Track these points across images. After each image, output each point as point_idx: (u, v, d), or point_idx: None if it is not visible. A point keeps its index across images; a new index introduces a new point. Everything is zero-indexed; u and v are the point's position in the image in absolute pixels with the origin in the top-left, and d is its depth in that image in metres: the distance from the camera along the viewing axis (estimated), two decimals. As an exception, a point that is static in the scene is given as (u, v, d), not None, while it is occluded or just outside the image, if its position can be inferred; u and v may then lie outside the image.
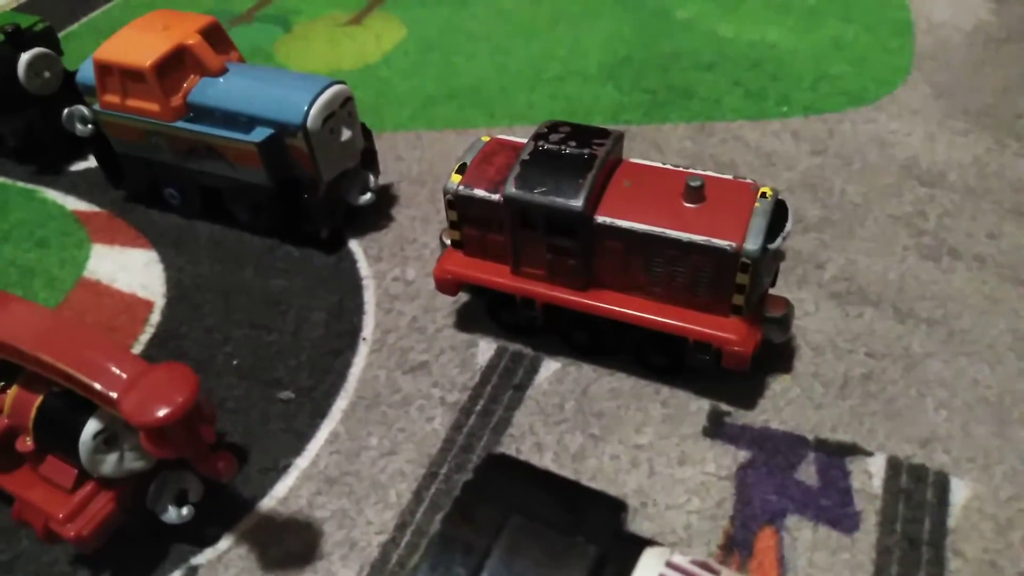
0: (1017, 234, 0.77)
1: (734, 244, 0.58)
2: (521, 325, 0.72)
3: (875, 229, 0.79)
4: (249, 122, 0.77)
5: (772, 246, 0.59)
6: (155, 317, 0.79)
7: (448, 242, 0.71)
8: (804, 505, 0.59)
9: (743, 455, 0.62)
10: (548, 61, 1.07)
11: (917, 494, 0.59)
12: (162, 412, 0.48)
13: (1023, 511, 0.57)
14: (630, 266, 0.63)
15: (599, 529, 0.41)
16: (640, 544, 0.41)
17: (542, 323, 0.70)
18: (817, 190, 0.84)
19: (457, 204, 0.67)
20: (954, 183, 0.83)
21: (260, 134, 0.77)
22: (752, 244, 0.58)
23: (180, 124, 0.80)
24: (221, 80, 0.80)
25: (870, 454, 0.61)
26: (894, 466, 0.61)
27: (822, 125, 0.91)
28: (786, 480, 0.61)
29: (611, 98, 0.99)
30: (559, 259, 0.65)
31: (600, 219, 0.62)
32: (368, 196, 0.83)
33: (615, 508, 0.43)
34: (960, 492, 0.59)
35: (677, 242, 0.60)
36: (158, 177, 0.87)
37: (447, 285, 0.71)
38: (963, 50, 1.00)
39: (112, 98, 0.81)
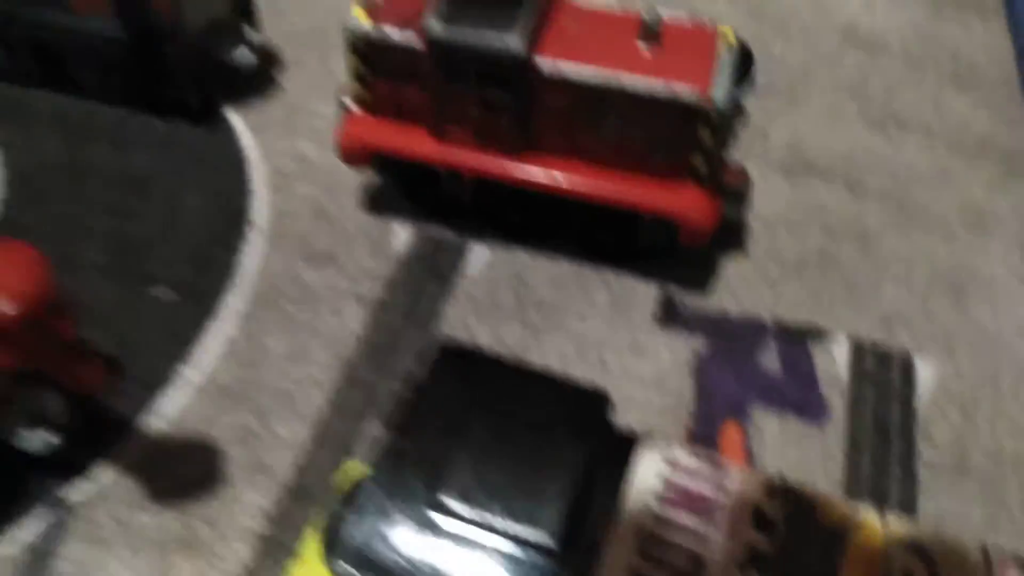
0: (960, 104, 0.74)
1: (698, 92, 0.50)
2: (444, 204, 0.62)
3: (819, 99, 0.74)
4: (91, -46, 0.61)
5: (740, 94, 0.51)
6: (-12, 205, 0.64)
7: (351, 103, 0.59)
8: (768, 394, 0.54)
9: (699, 343, 0.57)
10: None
11: (883, 377, 0.55)
12: (4, 308, 0.35)
13: (985, 389, 0.55)
14: (576, 124, 0.54)
15: (582, 425, 0.34)
16: (631, 439, 0.35)
17: (470, 200, 0.61)
18: (756, 56, 0.77)
19: (364, 50, 0.55)
20: (895, 50, 0.78)
21: (106, -31, 0.61)
22: (719, 93, 0.50)
23: (-1, -44, 0.63)
24: (50, -100, 0.63)
25: (833, 337, 0.57)
26: (858, 349, 0.57)
27: (754, -14, 0.84)
28: (747, 368, 0.56)
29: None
30: (490, 117, 0.55)
31: (542, 63, 0.52)
32: (246, 52, 0.70)
33: (599, 400, 0.36)
34: (925, 372, 0.55)
35: (634, 92, 0.51)
36: (-25, 32, 0.70)
37: (354, 155, 0.60)
38: None
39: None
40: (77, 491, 0.49)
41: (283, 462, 0.51)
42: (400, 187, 0.63)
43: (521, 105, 0.54)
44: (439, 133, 0.57)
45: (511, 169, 0.56)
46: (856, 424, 0.53)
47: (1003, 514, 0.49)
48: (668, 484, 0.33)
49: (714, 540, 0.32)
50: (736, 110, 0.53)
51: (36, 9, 0.65)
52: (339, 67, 0.73)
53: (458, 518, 0.32)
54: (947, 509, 0.49)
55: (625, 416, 0.53)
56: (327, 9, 0.80)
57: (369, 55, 0.55)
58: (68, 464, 0.50)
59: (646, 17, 0.52)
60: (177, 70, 0.66)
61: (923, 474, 0.51)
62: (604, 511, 0.32)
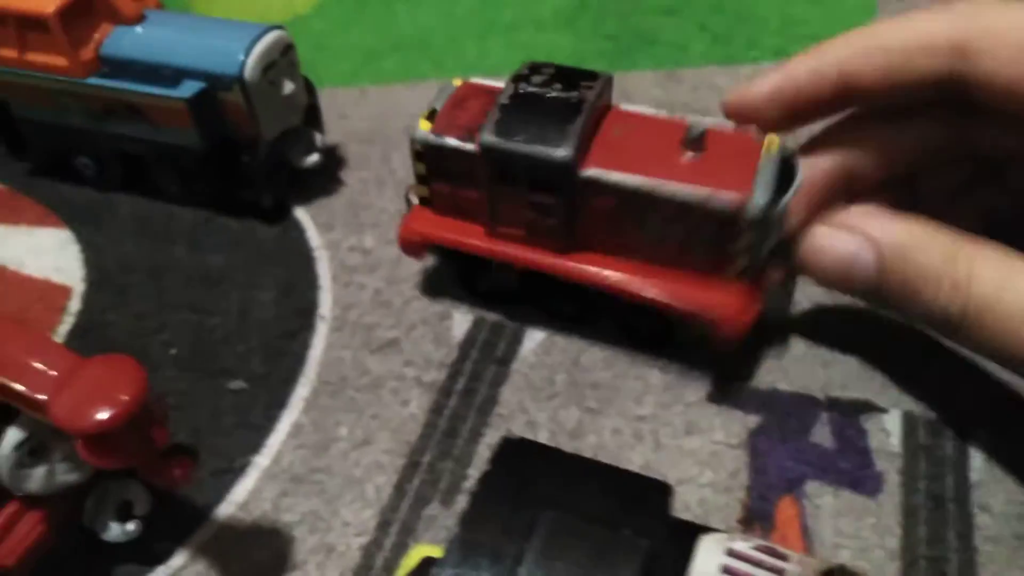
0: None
1: (739, 199, 0.52)
2: (497, 293, 0.65)
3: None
4: (175, 75, 0.67)
5: (782, 202, 0.53)
6: (74, 305, 0.69)
7: (415, 200, 0.63)
8: (823, 469, 0.54)
9: (753, 420, 0.57)
10: (499, 7, 0.99)
11: (937, 449, 0.55)
12: (103, 415, 0.39)
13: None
14: (619, 225, 0.57)
15: (645, 518, 0.35)
16: (694, 531, 0.36)
17: (520, 290, 0.63)
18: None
19: (426, 155, 0.59)
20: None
21: (189, 88, 0.67)
22: (760, 199, 0.52)
23: (93, 80, 0.69)
24: (139, 29, 0.69)
25: (885, 411, 0.57)
26: (910, 421, 0.57)
27: (793, 69, 0.86)
28: (801, 444, 0.56)
29: (570, 45, 0.92)
30: (540, 218, 0.58)
31: (588, 172, 0.55)
32: (315, 157, 0.75)
33: (660, 492, 0.37)
34: (979, 442, 0.55)
35: (674, 197, 0.53)
36: (69, 145, 0.76)
37: (414, 247, 0.64)
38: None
39: (8, 52, 0.70)
40: (156, 577, 0.52)
41: (350, 546, 0.53)
42: (455, 274, 0.66)
43: (567, 209, 0.57)
44: (491, 230, 0.60)
45: (556, 265, 0.59)
46: (910, 495, 0.52)
47: (1076, 592, 0.48)
48: (728, 571, 0.34)
49: (772, 623, 0.32)
50: (778, 215, 0.54)
51: (120, 123, 0.71)
52: (398, 165, 0.79)
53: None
54: (1016, 587, 0.48)
55: (683, 495, 0.53)
56: (385, 112, 0.86)
57: (430, 159, 0.59)
58: (148, 552, 0.53)
59: (691, 125, 0.54)
60: (253, 176, 0.71)
61: (982, 545, 0.50)
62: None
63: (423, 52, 0.94)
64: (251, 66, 0.66)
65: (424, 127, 0.59)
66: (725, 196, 0.52)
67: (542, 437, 0.57)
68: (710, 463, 0.55)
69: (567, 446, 0.56)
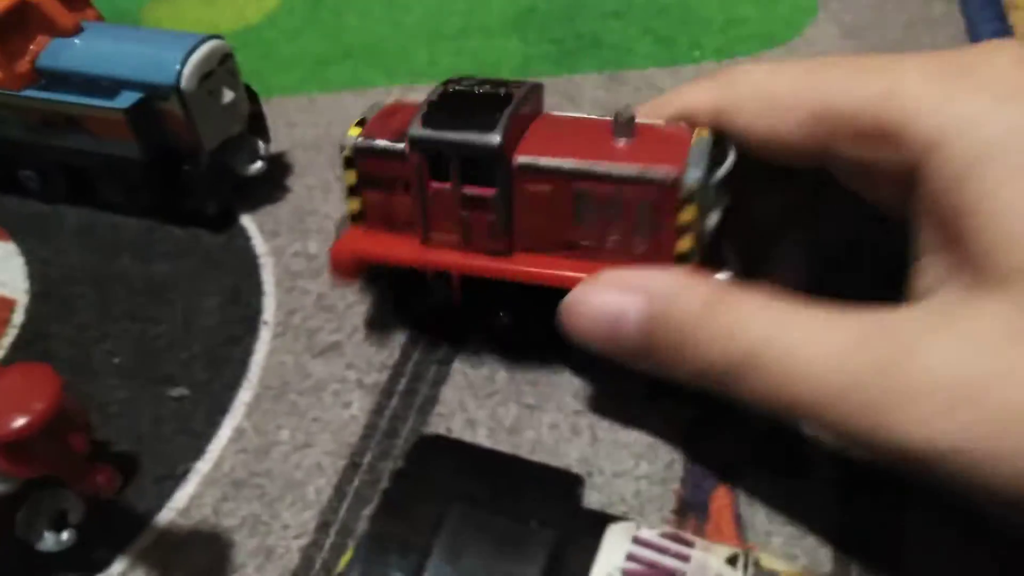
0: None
1: (675, 169, 0.52)
2: (434, 312, 0.64)
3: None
4: (113, 86, 0.67)
5: (718, 174, 0.53)
6: (18, 317, 0.69)
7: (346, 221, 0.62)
8: (757, 458, 0.55)
9: (688, 412, 0.58)
10: (448, 15, 1.00)
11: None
12: (18, 423, 0.39)
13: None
14: (557, 217, 0.56)
15: (554, 509, 0.36)
16: (602, 521, 0.36)
17: (458, 306, 0.62)
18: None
19: (356, 161, 0.58)
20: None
21: (127, 99, 0.67)
22: (695, 171, 0.52)
23: (29, 93, 0.69)
24: (77, 40, 0.69)
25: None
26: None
27: (736, 68, 0.88)
28: (735, 434, 0.57)
29: (517, 51, 0.93)
30: (476, 215, 0.57)
31: (521, 159, 0.55)
32: (259, 165, 0.75)
33: (570, 483, 0.38)
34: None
35: (609, 175, 0.53)
36: (11, 158, 0.76)
37: (346, 268, 0.61)
38: (865, -13, 0.99)
39: (-58, 66, 0.70)
40: (93, 585, 0.52)
41: (290, 548, 0.53)
42: (392, 299, 0.65)
43: (503, 201, 0.56)
44: (426, 238, 0.59)
45: (495, 267, 0.58)
46: (842, 478, 0.53)
47: (1000, 571, 0.49)
48: (633, 559, 0.35)
49: (674, 605, 0.33)
50: (715, 188, 0.54)
51: (62, 135, 0.71)
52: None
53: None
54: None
55: (619, 487, 0.54)
56: (332, 120, 0.86)
57: (360, 166, 0.58)
58: (86, 561, 0.53)
59: (619, 111, 0.54)
60: (196, 185, 0.72)
61: (911, 521, 0.51)
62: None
63: (373, 60, 0.94)
64: (188, 76, 0.66)
65: (353, 133, 0.59)
66: (660, 169, 0.52)
67: (481, 434, 0.58)
68: (646, 455, 0.56)
69: (505, 442, 0.57)
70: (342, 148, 0.58)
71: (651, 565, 0.33)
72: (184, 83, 0.66)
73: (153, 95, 0.67)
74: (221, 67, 0.69)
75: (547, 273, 0.57)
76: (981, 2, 0.88)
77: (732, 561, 0.34)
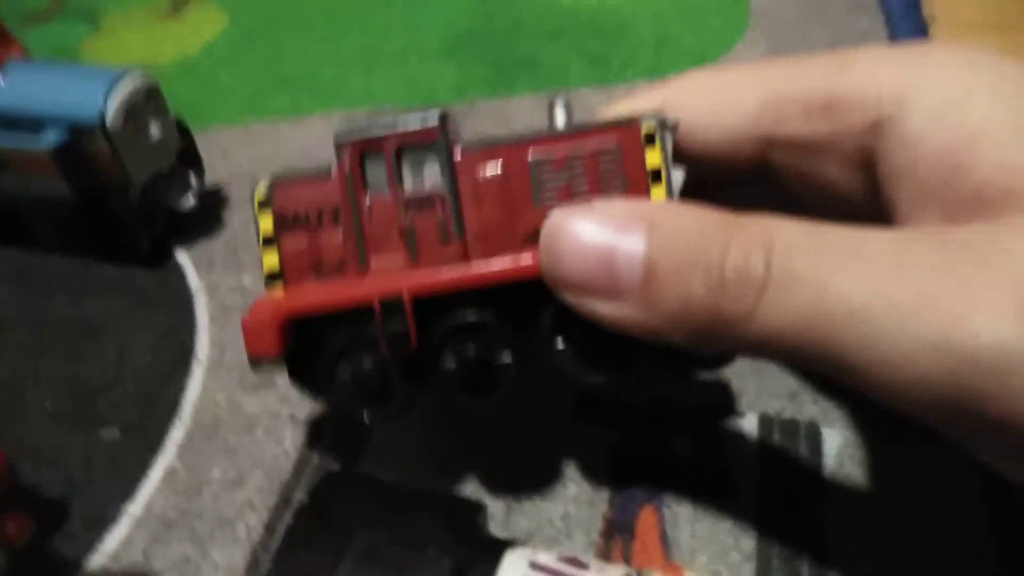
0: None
1: (633, 117, 0.47)
2: (379, 380, 0.50)
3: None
4: (37, 125, 0.67)
5: (671, 119, 0.48)
6: (-53, 362, 0.68)
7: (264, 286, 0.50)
8: (682, 478, 0.56)
9: (615, 435, 0.59)
10: (385, 41, 1.00)
11: (791, 450, 0.57)
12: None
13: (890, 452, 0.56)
14: (513, 201, 0.48)
15: (453, 537, 0.37)
16: (500, 547, 0.37)
17: (416, 348, 0.48)
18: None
19: (273, 199, 0.49)
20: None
21: (52, 139, 0.67)
22: (650, 118, 0.47)
23: (-48, 134, 0.69)
24: (0, 80, 0.69)
25: (742, 415, 0.59)
26: (766, 424, 0.59)
27: (669, 87, 0.89)
28: (662, 454, 0.57)
29: (453, 75, 0.94)
30: (421, 219, 0.48)
31: (464, 141, 0.49)
32: (191, 199, 0.75)
33: (471, 511, 0.38)
34: (832, 442, 0.57)
35: (565, 134, 0.47)
36: (-63, 200, 0.75)
37: (263, 338, 0.48)
38: (793, 5, 1.01)
39: None
40: (18, 636, 0.51)
41: (220, 588, 0.53)
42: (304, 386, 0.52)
43: (451, 191, 0.48)
44: (366, 268, 0.49)
45: (456, 276, 0.48)
46: (766, 495, 0.54)
47: None
48: (529, 584, 0.35)
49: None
50: (671, 129, 0.48)
51: (-12, 175, 0.71)
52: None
53: (336, 636, 0.34)
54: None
55: (547, 511, 0.54)
56: (269, 150, 0.86)
57: (277, 205, 0.49)
58: (14, 610, 0.52)
59: (556, 103, 0.50)
60: (127, 222, 0.71)
61: (834, 542, 0.52)
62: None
63: (310, 88, 0.95)
64: (112, 112, 0.66)
65: (263, 184, 0.50)
66: (617, 118, 0.47)
67: (415, 467, 0.58)
68: (574, 479, 0.57)
69: (436, 474, 0.57)
70: (255, 194, 0.50)
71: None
72: (109, 120, 0.66)
73: (78, 133, 0.67)
74: (148, 101, 0.69)
75: (517, 267, 0.47)
76: (902, 14, 0.90)
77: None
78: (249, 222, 0.78)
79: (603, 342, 0.47)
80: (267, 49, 1.02)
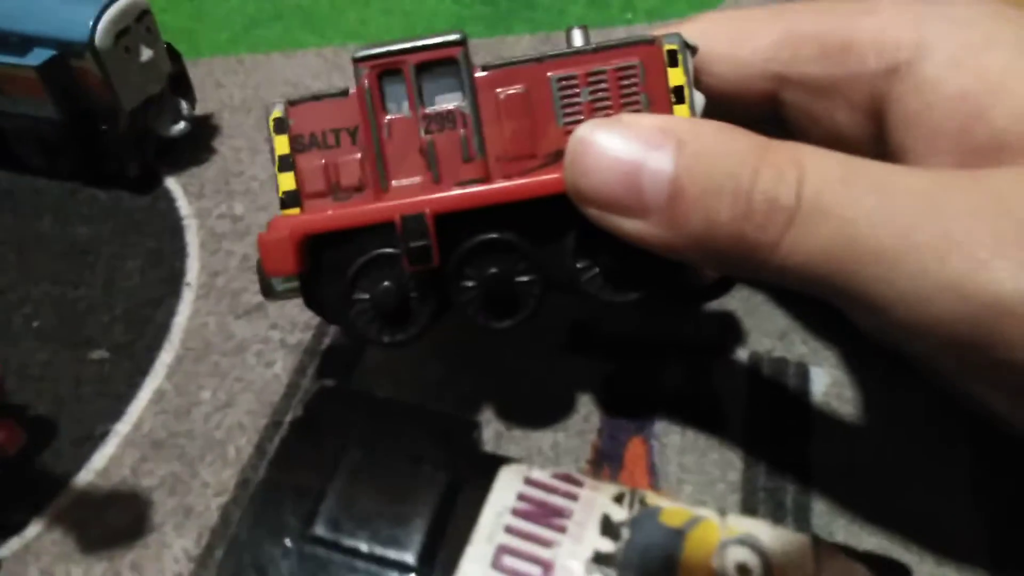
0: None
1: (647, 37, 0.46)
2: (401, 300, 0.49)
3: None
4: (23, 43, 0.66)
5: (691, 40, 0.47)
6: (-67, 281, 0.68)
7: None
8: (671, 410, 0.57)
9: (608, 366, 0.59)
10: (380, -26, 0.99)
11: (779, 386, 0.58)
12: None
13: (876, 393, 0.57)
14: (535, 121, 0.47)
15: (448, 454, 0.37)
16: (495, 463, 0.37)
17: (439, 265, 0.47)
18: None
19: (288, 120, 0.48)
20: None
21: (39, 56, 0.66)
22: (671, 38, 0.46)
23: (-65, 50, 0.67)
24: (-14, -4, 0.67)
25: (732, 351, 0.60)
26: (755, 360, 0.59)
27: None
28: (653, 387, 0.58)
29: (450, 11, 0.92)
30: (442, 138, 0.47)
31: (486, 63, 0.47)
32: (181, 125, 0.74)
33: (466, 429, 0.38)
34: (820, 381, 0.58)
35: (586, 51, 0.46)
36: (-79, 119, 0.74)
37: (280, 253, 0.47)
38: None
39: None
40: (6, 548, 0.51)
41: (209, 506, 0.53)
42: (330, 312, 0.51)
43: (472, 107, 0.47)
44: (385, 188, 0.48)
45: (479, 193, 0.47)
46: (752, 431, 0.55)
47: (896, 513, 0.51)
48: (523, 499, 0.35)
49: (562, 545, 0.34)
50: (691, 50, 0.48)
51: (-27, 95, 0.69)
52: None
53: (327, 546, 0.34)
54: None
55: (537, 440, 0.55)
56: (261, 81, 0.85)
57: (293, 125, 0.48)
58: (1, 525, 0.52)
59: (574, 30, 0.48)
60: (115, 146, 0.70)
61: (818, 476, 0.53)
62: (463, 529, 0.35)
63: (304, 20, 0.93)
64: (102, 32, 0.65)
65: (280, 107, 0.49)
66: (630, 37, 0.47)
67: (406, 391, 0.58)
68: (564, 408, 0.57)
69: (433, 397, 0.57)
70: (268, 111, 0.49)
71: (540, 504, 0.34)
72: (99, 40, 0.65)
73: (66, 52, 0.66)
74: (138, 24, 0.68)
75: (541, 182, 0.46)
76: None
77: (619, 499, 0.35)
78: (241, 151, 0.77)
79: (626, 263, 0.47)
80: (260, -20, 0.99)
